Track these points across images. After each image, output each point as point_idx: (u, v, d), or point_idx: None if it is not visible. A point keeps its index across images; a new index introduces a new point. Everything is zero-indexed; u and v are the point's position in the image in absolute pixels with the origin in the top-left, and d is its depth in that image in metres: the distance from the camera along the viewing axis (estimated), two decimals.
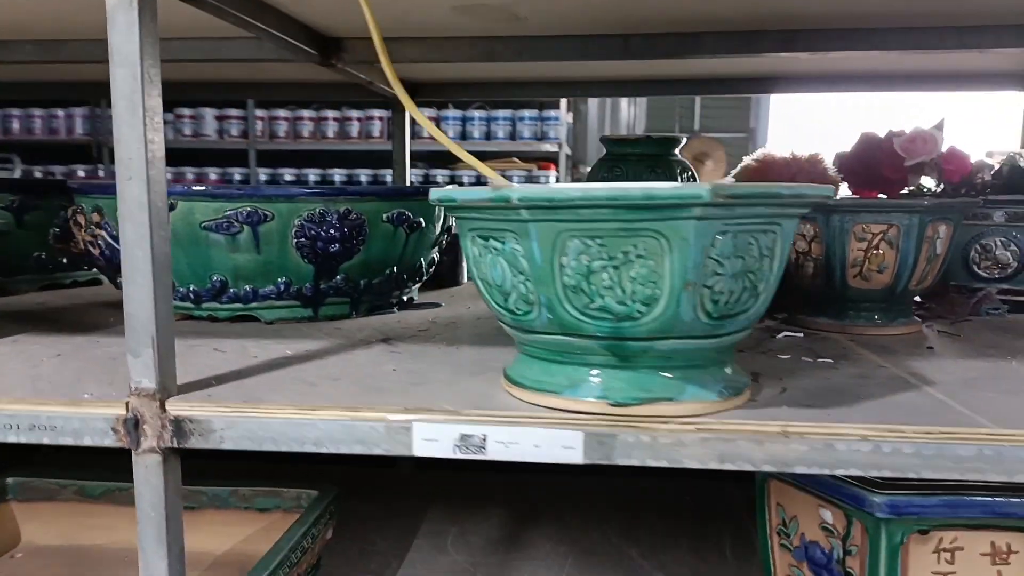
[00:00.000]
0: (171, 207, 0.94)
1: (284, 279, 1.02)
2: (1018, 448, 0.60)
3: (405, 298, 1.21)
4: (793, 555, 0.92)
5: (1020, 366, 0.85)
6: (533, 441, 0.65)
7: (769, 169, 1.17)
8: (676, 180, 1.39)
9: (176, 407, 0.68)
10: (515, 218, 0.61)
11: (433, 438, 0.66)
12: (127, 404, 0.68)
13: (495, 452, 0.66)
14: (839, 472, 0.63)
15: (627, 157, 1.40)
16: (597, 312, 0.62)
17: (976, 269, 1.17)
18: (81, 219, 1.04)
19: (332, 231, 1.00)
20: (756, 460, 0.63)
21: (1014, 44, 1.13)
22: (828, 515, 0.83)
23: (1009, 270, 1.16)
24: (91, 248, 1.05)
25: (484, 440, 0.66)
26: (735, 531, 1.31)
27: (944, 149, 1.15)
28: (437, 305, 1.26)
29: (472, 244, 0.68)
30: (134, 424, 0.68)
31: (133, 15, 0.63)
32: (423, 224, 1.12)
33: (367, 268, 1.07)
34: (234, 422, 0.68)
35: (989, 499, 0.74)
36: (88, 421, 0.69)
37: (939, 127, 1.15)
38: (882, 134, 1.20)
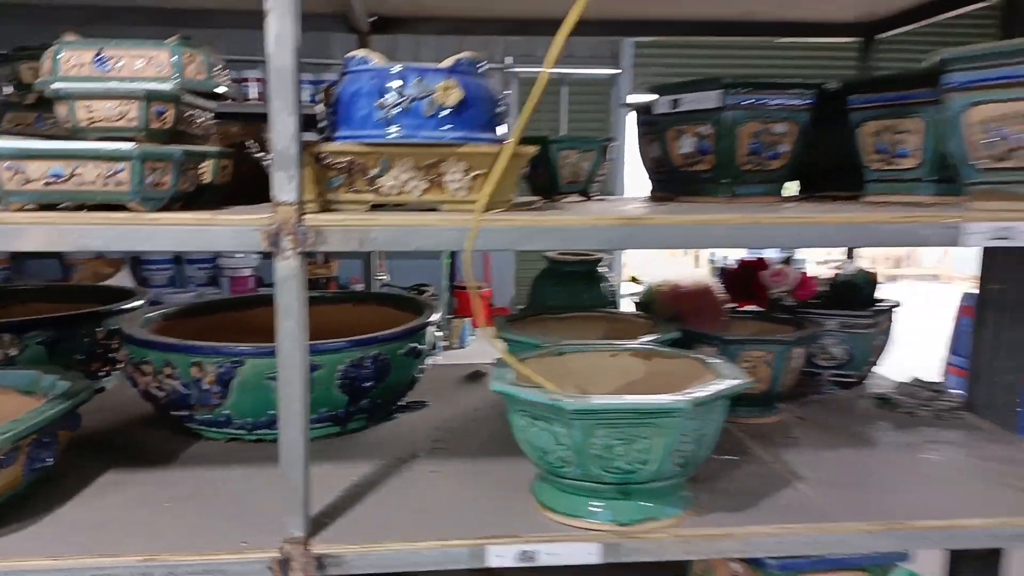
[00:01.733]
0: (239, 363, 1.19)
1: (326, 409, 1.29)
2: (861, 537, 1.02)
3: (403, 403, 1.50)
4: None
5: (855, 455, 1.29)
6: (568, 551, 0.99)
7: (676, 297, 1.57)
8: (598, 289, 1.76)
9: (318, 547, 0.96)
10: (563, 416, 0.94)
11: (501, 555, 0.99)
12: (281, 549, 0.95)
13: (543, 560, 0.99)
14: (754, 556, 1.02)
15: (566, 273, 1.75)
16: (612, 469, 0.97)
17: (816, 361, 1.64)
18: (147, 368, 1.25)
19: (366, 371, 1.28)
20: (704, 552, 1.01)
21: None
22: (739, 567, 1.24)
23: (841, 361, 1.63)
24: (155, 392, 1.26)
25: (536, 553, 0.99)
26: None
27: (797, 278, 1.61)
28: (424, 404, 1.55)
29: (521, 418, 1.01)
30: (284, 564, 0.95)
31: None
32: (422, 346, 1.42)
33: (388, 391, 1.36)
34: (363, 554, 0.96)
35: (836, 557, 1.16)
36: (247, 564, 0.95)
37: (790, 262, 1.59)
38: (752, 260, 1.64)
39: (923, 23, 1.75)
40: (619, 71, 6.39)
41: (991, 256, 1.52)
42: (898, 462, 1.27)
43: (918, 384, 1.59)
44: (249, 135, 1.32)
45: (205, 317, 1.58)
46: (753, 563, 1.20)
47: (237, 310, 1.64)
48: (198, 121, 1.09)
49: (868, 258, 9.22)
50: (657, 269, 1.69)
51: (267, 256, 1.03)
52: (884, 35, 1.87)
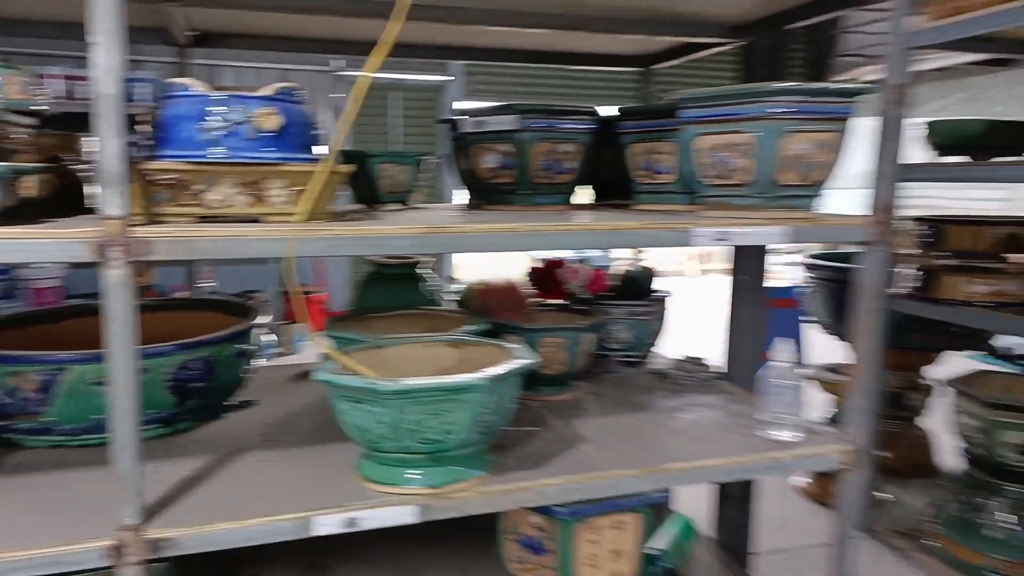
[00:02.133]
0: (63, 370, 1.23)
1: (155, 410, 1.35)
2: (626, 480, 1.26)
3: (232, 402, 1.58)
4: (518, 543, 1.53)
5: (633, 420, 1.55)
6: (388, 515, 1.15)
7: (486, 294, 1.77)
8: (419, 290, 1.93)
9: (151, 533, 1.04)
10: (379, 397, 1.10)
11: (328, 524, 1.12)
12: (116, 536, 1.03)
13: (366, 525, 1.14)
14: (547, 504, 1.23)
15: (388, 276, 1.90)
16: (424, 440, 1.13)
17: (606, 344, 1.91)
18: None
19: (194, 373, 1.36)
20: (503, 504, 1.21)
21: (632, 32, 1.82)
22: (537, 519, 1.45)
23: (627, 344, 1.91)
24: None
25: (359, 520, 1.14)
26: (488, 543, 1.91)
27: (589, 274, 1.87)
28: (253, 403, 1.64)
29: (344, 403, 1.15)
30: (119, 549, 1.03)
31: None
32: (249, 347, 1.51)
33: (216, 391, 1.44)
34: (195, 535, 1.06)
35: (612, 499, 1.41)
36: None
37: (584, 261, 1.85)
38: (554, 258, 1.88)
39: (687, 58, 2.08)
40: (450, 78, 6.61)
41: (739, 252, 1.86)
42: (665, 422, 1.55)
43: (687, 360, 1.91)
44: (66, 147, 1.35)
45: (13, 330, 1.55)
46: (548, 514, 1.42)
47: (46, 322, 1.61)
48: (17, 137, 1.13)
49: (683, 254, 10.16)
50: (490, 268, 1.89)
51: (79, 267, 1.09)
52: (659, 66, 2.20)
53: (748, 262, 1.83)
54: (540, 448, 1.38)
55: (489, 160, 1.62)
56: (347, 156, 1.58)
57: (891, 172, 1.33)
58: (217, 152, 1.08)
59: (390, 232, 1.10)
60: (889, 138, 1.31)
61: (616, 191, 1.80)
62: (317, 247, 1.07)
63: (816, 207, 1.32)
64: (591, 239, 1.19)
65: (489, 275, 1.84)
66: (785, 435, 1.40)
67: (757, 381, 1.51)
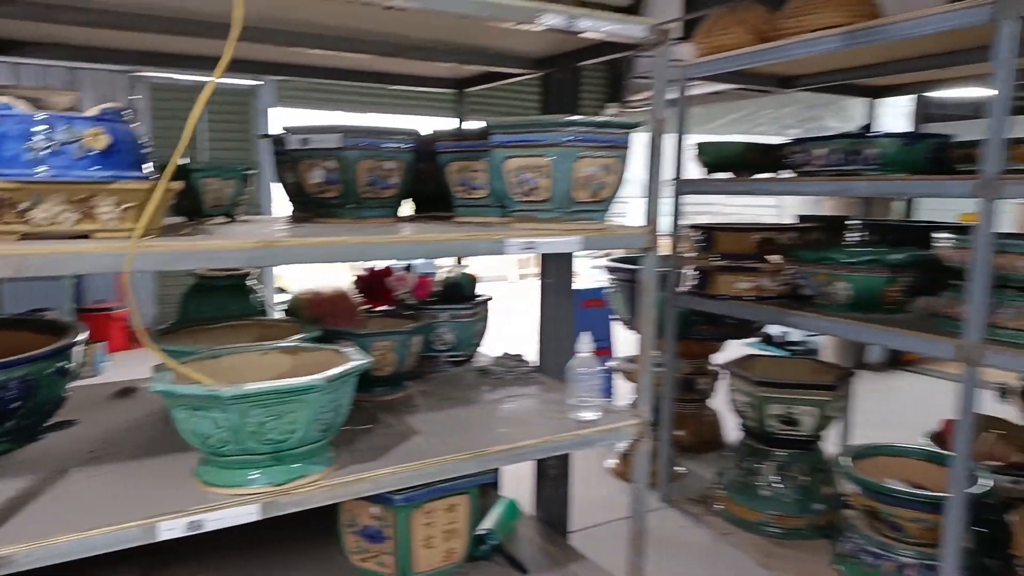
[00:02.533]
0: None
1: None
2: (456, 464, 1.41)
3: (50, 423, 1.53)
4: (357, 535, 1.63)
5: (460, 412, 1.71)
6: (232, 514, 1.21)
7: (316, 303, 1.85)
8: (248, 301, 1.96)
9: None
10: (221, 403, 1.16)
11: (171, 528, 1.16)
12: None
13: (210, 526, 1.19)
14: (383, 491, 1.35)
15: (215, 287, 1.91)
16: (266, 441, 1.21)
17: (434, 346, 2.05)
18: None
19: (11, 393, 1.32)
20: (344, 495, 1.31)
21: (445, 61, 1.99)
22: (376, 509, 1.56)
23: (452, 345, 2.07)
24: None
25: (203, 522, 1.19)
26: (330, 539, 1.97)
27: (415, 281, 2.00)
28: (74, 423, 1.60)
29: (183, 412, 1.20)
30: None
31: None
32: (70, 365, 1.48)
33: (34, 411, 1.40)
34: (31, 551, 1.06)
35: (444, 483, 1.56)
36: None
37: (410, 270, 1.99)
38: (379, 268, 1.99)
39: (498, 84, 2.29)
40: (260, 82, 6.44)
41: (547, 259, 2.09)
42: (489, 412, 1.72)
43: (507, 357, 2.10)
44: None
45: None
46: (385, 503, 1.53)
47: None
48: None
49: (504, 260, 10.55)
50: (311, 277, 1.95)
51: None
52: (472, 89, 2.39)
53: (556, 267, 2.06)
54: (376, 443, 1.49)
55: (315, 175, 1.70)
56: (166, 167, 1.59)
57: (659, 190, 1.60)
58: (43, 171, 1.09)
59: (229, 246, 1.17)
60: (658, 162, 1.58)
61: (437, 204, 1.95)
62: (153, 262, 1.11)
63: (606, 219, 1.55)
64: (419, 250, 1.34)
65: (314, 284, 1.91)
66: (589, 415, 1.62)
67: (566, 372, 1.73)
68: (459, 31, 1.75)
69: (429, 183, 1.89)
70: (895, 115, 5.70)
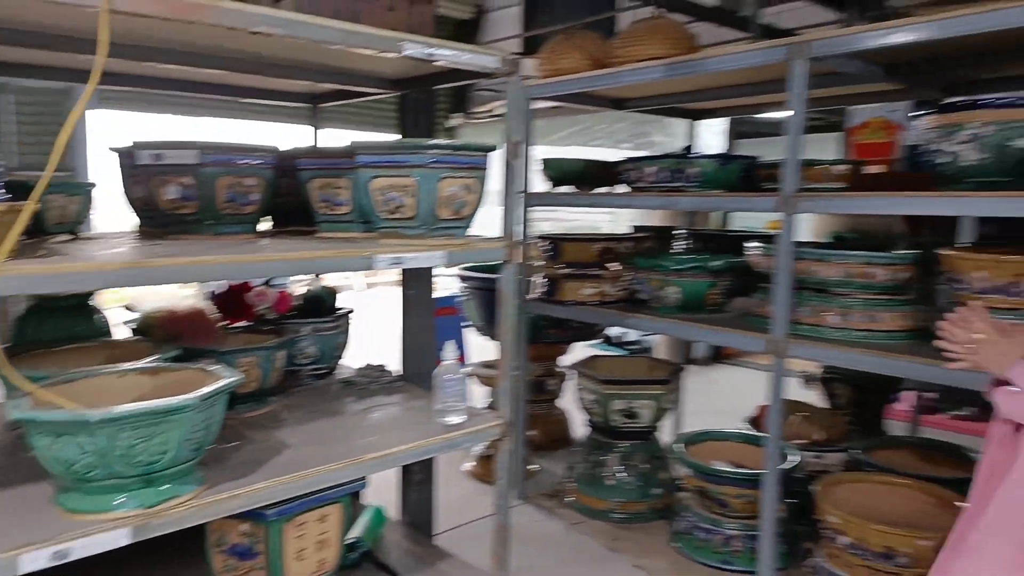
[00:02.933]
0: None
1: None
2: (329, 474, 1.45)
3: None
4: (226, 554, 1.62)
5: (328, 424, 1.74)
6: (100, 541, 1.19)
7: (172, 321, 1.81)
8: (93, 321, 1.87)
9: None
10: (88, 427, 1.14)
11: (35, 559, 1.13)
12: None
13: (77, 555, 1.17)
14: (255, 507, 1.37)
15: (57, 308, 1.80)
16: (136, 464, 1.20)
17: (297, 360, 2.06)
18: None
19: None
20: (217, 513, 1.32)
21: (301, 79, 2.02)
22: (246, 526, 1.57)
23: (315, 358, 2.09)
24: None
25: (69, 550, 1.16)
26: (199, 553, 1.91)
27: (276, 296, 2.01)
28: None
29: (44, 439, 1.16)
30: None
31: None
32: None
33: None
34: None
35: (315, 495, 1.59)
36: None
37: (271, 285, 1.99)
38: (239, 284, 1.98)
39: (352, 100, 2.34)
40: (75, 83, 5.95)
41: (408, 272, 2.17)
42: (357, 422, 1.77)
43: (370, 367, 2.15)
44: None
45: None
46: (256, 519, 1.55)
47: None
48: None
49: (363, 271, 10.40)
50: (156, 295, 1.89)
51: None
52: (327, 104, 2.42)
53: (417, 280, 2.14)
54: (247, 459, 1.50)
55: (170, 191, 1.67)
56: (8, 186, 1.51)
57: (515, 206, 1.73)
58: None
59: (93, 267, 1.15)
60: (512, 180, 1.71)
61: (294, 219, 1.97)
62: (16, 285, 1.07)
63: (467, 234, 1.66)
64: (293, 267, 1.37)
65: (166, 302, 1.87)
66: (455, 419, 1.72)
67: (433, 378, 1.81)
68: (318, 52, 1.80)
69: (287, 198, 1.91)
70: (712, 133, 6.33)
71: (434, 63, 1.56)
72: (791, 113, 2.14)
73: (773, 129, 6.50)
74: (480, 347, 4.53)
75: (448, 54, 1.54)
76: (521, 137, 1.73)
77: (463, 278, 3.74)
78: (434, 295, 2.24)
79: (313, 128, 2.47)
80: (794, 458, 2.63)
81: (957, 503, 2.25)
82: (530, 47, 7.27)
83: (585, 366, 3.21)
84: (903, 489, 2.43)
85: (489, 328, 3.91)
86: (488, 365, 3.68)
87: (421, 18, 1.80)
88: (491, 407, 3.11)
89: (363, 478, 1.60)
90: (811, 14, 4.43)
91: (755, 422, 3.25)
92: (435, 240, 1.58)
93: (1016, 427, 1.36)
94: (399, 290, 2.19)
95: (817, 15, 4.44)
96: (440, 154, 1.51)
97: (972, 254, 1.98)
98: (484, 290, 3.77)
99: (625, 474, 3.09)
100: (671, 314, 2.70)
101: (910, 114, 5.27)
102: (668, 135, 7.55)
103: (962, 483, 2.43)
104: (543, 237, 3.18)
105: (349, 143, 1.58)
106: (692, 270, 2.66)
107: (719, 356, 6.19)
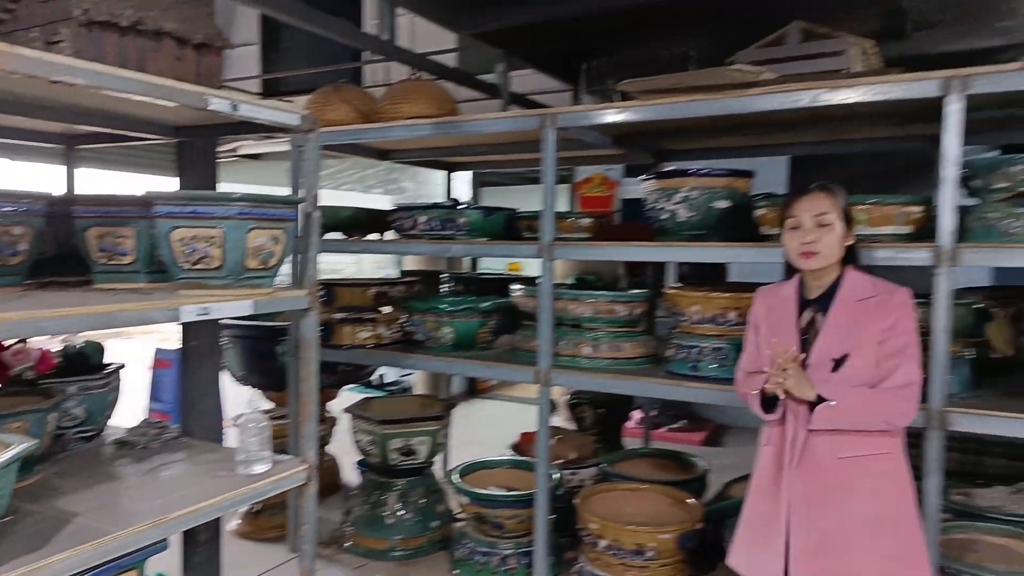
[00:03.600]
0: None
1: None
2: (134, 537, 1.38)
3: None
4: None
5: (117, 486, 1.63)
6: None
7: None
8: None
9: None
10: None
11: None
12: None
13: None
14: None
15: None
16: None
17: (61, 423, 1.88)
18: None
19: None
20: None
21: (61, 121, 1.87)
22: None
23: (82, 419, 1.92)
24: None
25: None
26: None
27: (38, 355, 1.83)
28: None
29: None
30: None
31: None
32: None
33: None
34: None
35: (116, 564, 1.49)
36: None
37: (24, 342, 1.82)
38: None
39: (114, 144, 2.22)
40: None
41: (187, 324, 2.09)
42: (148, 482, 1.68)
43: (147, 424, 2.03)
44: None
45: None
46: None
47: None
48: None
49: None
50: None
51: None
52: (88, 146, 2.26)
53: (201, 331, 2.08)
54: (31, 531, 1.37)
55: None
56: None
57: (314, 257, 1.81)
58: None
59: None
60: (310, 231, 1.79)
61: (57, 267, 1.83)
62: None
63: (273, 284, 1.70)
64: (90, 321, 1.31)
65: None
66: (260, 468, 1.72)
67: (238, 427, 1.77)
68: (87, 96, 1.71)
69: (49, 246, 1.78)
70: (460, 181, 6.77)
71: (234, 117, 1.59)
72: (544, 171, 2.49)
73: (513, 179, 7.16)
74: (237, 397, 4.34)
75: (251, 110, 1.59)
76: (316, 189, 1.81)
77: (224, 327, 3.59)
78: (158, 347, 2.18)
79: (67, 169, 2.28)
80: (556, 477, 2.95)
81: (688, 499, 2.72)
82: (269, 89, 7.16)
83: (360, 408, 3.27)
84: (646, 493, 2.86)
85: (250, 377, 3.78)
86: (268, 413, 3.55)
87: (209, 68, 1.82)
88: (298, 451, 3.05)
89: (164, 540, 1.54)
90: (540, 81, 5.00)
91: (518, 448, 3.56)
92: (242, 290, 1.59)
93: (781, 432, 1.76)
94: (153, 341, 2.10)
95: (545, 83, 5.03)
96: (247, 206, 1.54)
97: (689, 292, 2.46)
98: (245, 339, 3.65)
99: (404, 511, 3.19)
100: (447, 352, 2.89)
101: (625, 174, 6.18)
102: (417, 183, 7.89)
103: (689, 483, 2.96)
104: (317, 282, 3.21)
105: (144, 192, 1.55)
106: (464, 311, 2.89)
107: (474, 391, 6.56)
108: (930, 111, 1.96)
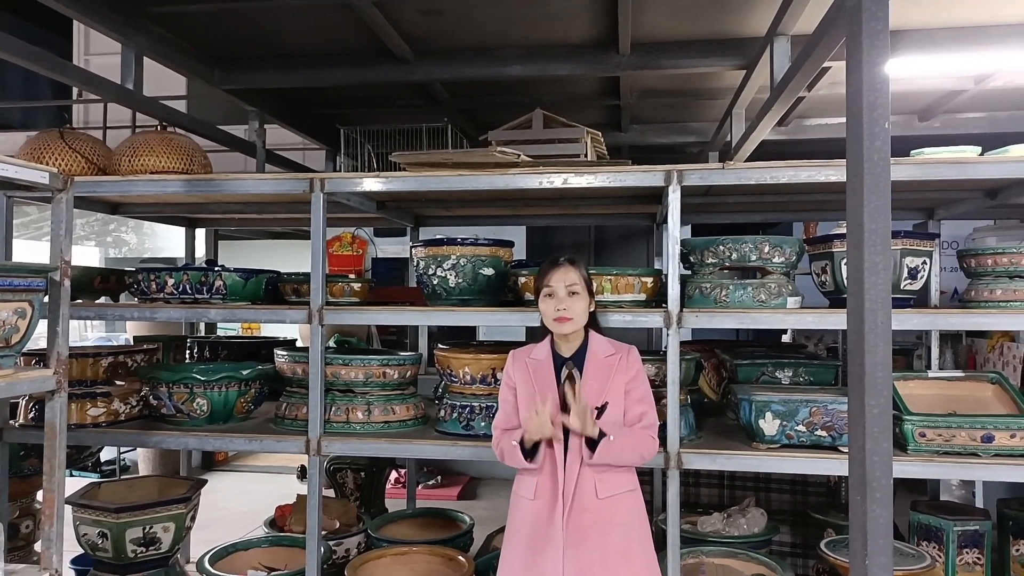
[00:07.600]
0: None
1: None
2: None
3: None
4: None
5: None
6: None
7: None
8: None
9: None
10: None
11: None
12: None
13: None
14: None
15: None
16: None
17: None
18: None
19: None
20: None
21: None
22: None
23: None
24: None
25: None
26: None
27: None
28: None
29: None
30: None
31: None
32: None
33: None
34: None
35: None
36: None
37: None
38: None
39: None
40: None
41: None
42: None
43: None
44: None
45: None
46: None
47: None
48: None
49: None
50: None
51: None
52: None
53: None
54: None
55: None
56: None
57: (65, 330, 1.60)
58: None
59: None
60: (58, 303, 1.58)
61: None
62: None
63: (14, 364, 1.46)
64: None
65: None
66: None
67: None
68: None
69: None
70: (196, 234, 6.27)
71: None
72: (313, 235, 2.46)
73: (252, 234, 6.83)
74: None
75: None
76: (69, 254, 1.61)
77: None
78: None
79: None
80: (323, 548, 2.83)
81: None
82: None
83: (87, 497, 2.84)
84: (415, 555, 2.87)
85: None
86: None
87: None
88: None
89: None
90: (291, 136, 4.90)
91: (275, 523, 3.34)
92: None
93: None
94: None
95: (295, 137, 4.94)
96: None
97: (459, 354, 2.57)
98: None
99: None
100: (200, 427, 2.66)
101: (376, 234, 6.23)
102: (140, 235, 7.15)
103: (455, 539, 3.02)
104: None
105: None
106: (222, 380, 2.69)
107: (211, 463, 6.01)
108: (649, 197, 2.33)
